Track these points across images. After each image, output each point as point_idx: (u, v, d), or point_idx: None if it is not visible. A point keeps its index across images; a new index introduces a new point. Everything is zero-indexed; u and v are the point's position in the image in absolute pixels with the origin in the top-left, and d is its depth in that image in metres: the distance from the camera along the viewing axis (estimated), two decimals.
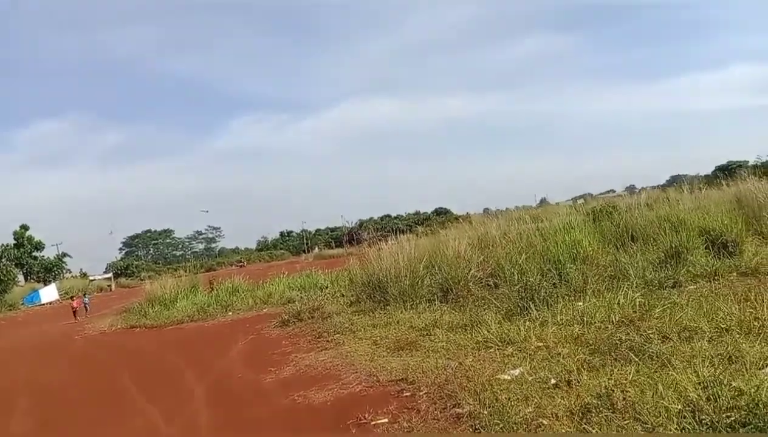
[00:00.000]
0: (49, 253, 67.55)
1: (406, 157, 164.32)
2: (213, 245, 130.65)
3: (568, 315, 8.94)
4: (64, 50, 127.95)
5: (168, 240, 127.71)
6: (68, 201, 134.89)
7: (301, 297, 17.51)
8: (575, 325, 8.34)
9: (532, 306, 9.49)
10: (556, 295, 9.92)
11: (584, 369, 6.14)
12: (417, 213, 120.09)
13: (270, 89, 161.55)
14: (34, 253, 64.92)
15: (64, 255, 69.95)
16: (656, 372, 5.56)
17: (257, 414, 7.05)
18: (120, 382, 10.78)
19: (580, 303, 9.67)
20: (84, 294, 34.28)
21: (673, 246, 12.07)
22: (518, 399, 5.54)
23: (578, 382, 5.72)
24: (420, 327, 10.23)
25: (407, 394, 6.58)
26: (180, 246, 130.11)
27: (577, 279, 11.15)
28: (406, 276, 13.34)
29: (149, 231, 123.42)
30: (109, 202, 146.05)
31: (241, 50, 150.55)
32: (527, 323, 8.76)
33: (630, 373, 5.56)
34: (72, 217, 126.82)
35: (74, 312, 28.83)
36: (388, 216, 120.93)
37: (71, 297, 34.39)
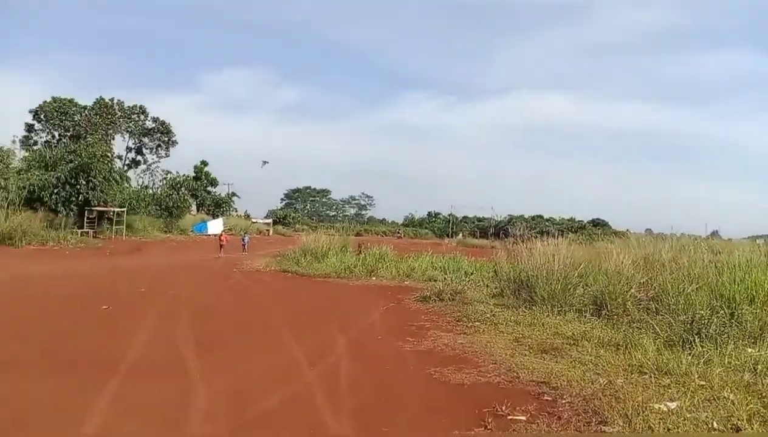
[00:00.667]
0: (220, 190, 74.41)
1: (570, 159, 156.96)
2: (363, 212, 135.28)
3: (739, 359, 8.06)
4: (255, 6, 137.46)
5: (324, 200, 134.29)
6: (241, 147, 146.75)
7: (444, 278, 17.60)
8: (745, 372, 7.50)
9: (697, 340, 8.68)
10: (726, 335, 8.96)
11: (755, 420, 5.50)
12: (572, 219, 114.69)
13: (444, 69, 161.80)
14: (208, 188, 71.65)
15: (234, 194, 76.56)
16: None
17: (393, 378, 7.21)
18: (270, 317, 11.63)
19: (752, 350, 8.70)
20: (245, 234, 37.15)
21: None
22: (674, 433, 5.10)
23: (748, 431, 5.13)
24: (567, 335, 9.81)
25: (548, 398, 6.34)
26: (334, 206, 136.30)
27: (752, 324, 10.00)
28: (558, 280, 12.82)
29: (309, 187, 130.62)
30: (279, 154, 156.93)
31: (423, 27, 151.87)
32: (689, 357, 8.03)
33: None
34: (243, 162, 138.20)
35: (221, 247, 31.79)
36: (540, 216, 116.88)
37: (221, 233, 36.88)
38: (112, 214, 42.39)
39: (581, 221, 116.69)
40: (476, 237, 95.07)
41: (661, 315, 10.72)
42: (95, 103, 59.00)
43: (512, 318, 11.37)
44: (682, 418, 5.56)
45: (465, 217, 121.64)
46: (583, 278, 13.52)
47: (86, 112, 57.29)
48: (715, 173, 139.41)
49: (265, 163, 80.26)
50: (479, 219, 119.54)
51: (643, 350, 8.30)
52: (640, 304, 12.17)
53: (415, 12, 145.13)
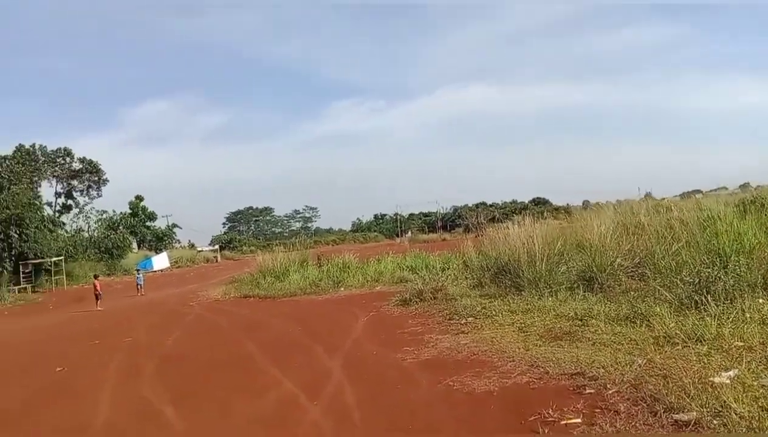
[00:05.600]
0: (160, 224, 71.36)
1: (502, 145, 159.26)
2: (309, 224, 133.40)
3: (760, 312, 7.64)
4: (171, 33, 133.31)
5: (268, 218, 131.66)
6: (174, 177, 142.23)
7: (417, 277, 16.83)
8: None
9: (709, 300, 8.19)
10: (739, 289, 8.54)
11: None
12: (514, 201, 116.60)
13: (367, 75, 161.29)
14: (147, 223, 68.62)
15: (174, 225, 73.66)
16: None
17: (411, 398, 6.31)
18: (246, 352, 10.49)
19: (763, 300, 8.35)
20: (137, 271, 32.88)
21: None
22: (758, 407, 4.45)
23: None
24: (569, 316, 9.18)
25: (591, 391, 5.61)
26: (279, 223, 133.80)
27: (750, 275, 9.66)
28: (541, 260, 12.24)
29: (251, 208, 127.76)
30: (212, 180, 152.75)
31: (339, 36, 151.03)
32: (706, 318, 7.52)
33: None
34: (178, 193, 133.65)
35: (97, 298, 23.20)
36: (483, 203, 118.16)
37: (95, 281, 24.81)
38: (49, 264, 39.58)
39: (523, 202, 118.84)
40: (425, 233, 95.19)
41: (657, 278, 10.28)
42: (15, 151, 55.24)
43: (505, 307, 10.70)
44: (751, 388, 4.93)
45: (411, 215, 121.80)
46: (563, 255, 13.02)
47: (7, 161, 53.59)
48: (635, 139, 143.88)
49: None
50: (425, 215, 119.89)
51: (660, 319, 7.75)
52: (629, 272, 11.76)
53: (335, 23, 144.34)
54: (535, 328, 8.69)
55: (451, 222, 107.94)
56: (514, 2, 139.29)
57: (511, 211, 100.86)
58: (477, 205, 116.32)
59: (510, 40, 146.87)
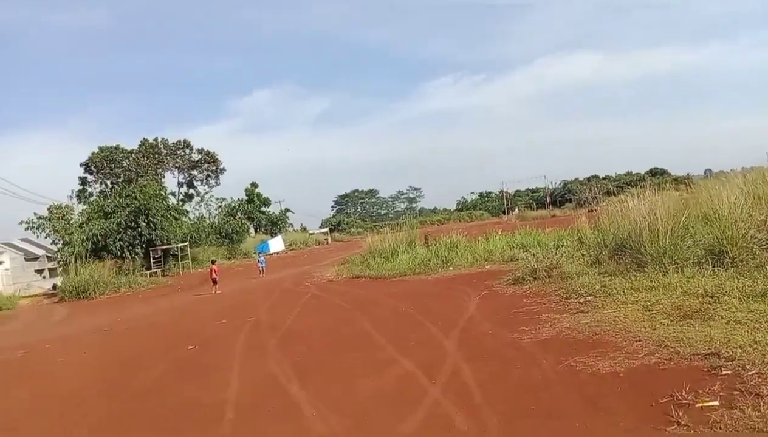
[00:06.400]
0: (273, 209, 74.77)
1: (611, 116, 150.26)
2: (414, 205, 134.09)
3: None
4: (271, 24, 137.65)
5: (373, 200, 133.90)
6: (284, 163, 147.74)
7: (526, 256, 16.46)
8: None
9: None
10: None
11: None
12: (629, 173, 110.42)
13: (462, 51, 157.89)
14: (262, 208, 72.14)
15: (287, 210, 76.84)
16: None
17: (530, 378, 6.23)
18: (363, 329, 10.81)
19: None
20: (259, 254, 34.76)
21: None
22: None
23: None
24: (698, 293, 8.61)
25: (727, 372, 5.27)
26: (384, 205, 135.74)
27: None
28: (665, 234, 11.55)
29: (357, 190, 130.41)
30: (319, 164, 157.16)
31: (431, 15, 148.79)
32: None
33: None
34: (289, 178, 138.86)
35: (214, 282, 24.66)
36: (596, 176, 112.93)
37: (212, 266, 26.71)
38: (176, 249, 42.84)
39: (639, 173, 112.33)
40: (533, 210, 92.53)
41: None
42: (140, 145, 60.09)
43: (626, 285, 10.21)
44: None
45: (518, 191, 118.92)
46: (688, 229, 12.20)
47: (133, 155, 58.43)
48: (759, 102, 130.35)
49: (288, 149, 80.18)
50: (533, 191, 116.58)
51: None
52: (764, 245, 10.83)
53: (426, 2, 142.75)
54: (661, 306, 8.24)
55: (560, 197, 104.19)
56: None
57: (626, 183, 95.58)
58: (588, 179, 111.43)
59: (609, 5, 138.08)
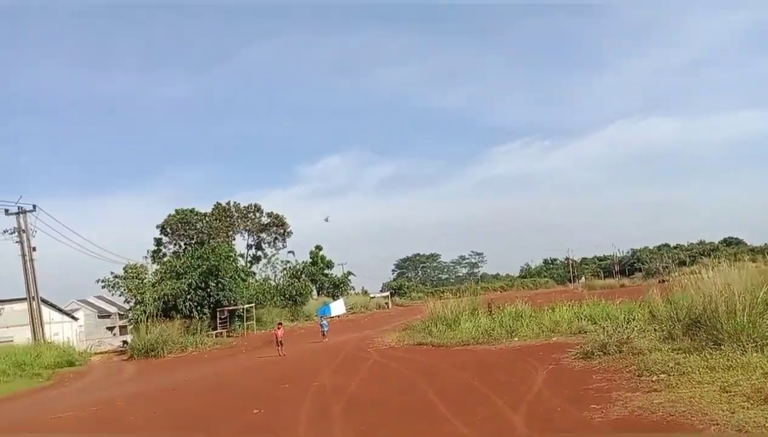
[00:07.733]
0: (336, 271, 75.79)
1: (684, 182, 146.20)
2: (475, 270, 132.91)
3: None
4: (340, 91, 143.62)
5: (434, 264, 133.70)
6: (348, 226, 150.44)
7: (595, 329, 16.04)
8: None
9: None
10: None
11: None
12: (701, 242, 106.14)
13: (530, 116, 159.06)
14: (325, 271, 73.30)
15: (349, 273, 77.70)
16: None
17: None
18: (427, 399, 10.77)
19: None
20: (322, 318, 34.28)
21: None
22: None
23: None
24: None
25: None
26: (445, 269, 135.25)
27: None
28: (743, 310, 11.12)
29: (418, 254, 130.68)
30: (382, 228, 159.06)
31: (499, 80, 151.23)
32: None
33: None
34: (352, 241, 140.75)
35: (279, 344, 25.47)
36: (666, 245, 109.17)
37: (277, 328, 27.46)
38: (241, 311, 43.87)
39: (712, 242, 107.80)
40: (600, 278, 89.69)
41: None
42: (214, 208, 62.75)
43: (702, 363, 9.84)
44: None
45: (584, 259, 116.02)
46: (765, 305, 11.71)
47: (207, 218, 60.97)
48: None
49: (327, 219, 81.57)
50: (600, 259, 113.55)
51: None
52: None
53: (493, 67, 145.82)
54: (740, 388, 7.91)
55: (629, 266, 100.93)
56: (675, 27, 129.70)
57: (699, 252, 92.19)
58: (659, 248, 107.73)
59: (688, 67, 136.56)
